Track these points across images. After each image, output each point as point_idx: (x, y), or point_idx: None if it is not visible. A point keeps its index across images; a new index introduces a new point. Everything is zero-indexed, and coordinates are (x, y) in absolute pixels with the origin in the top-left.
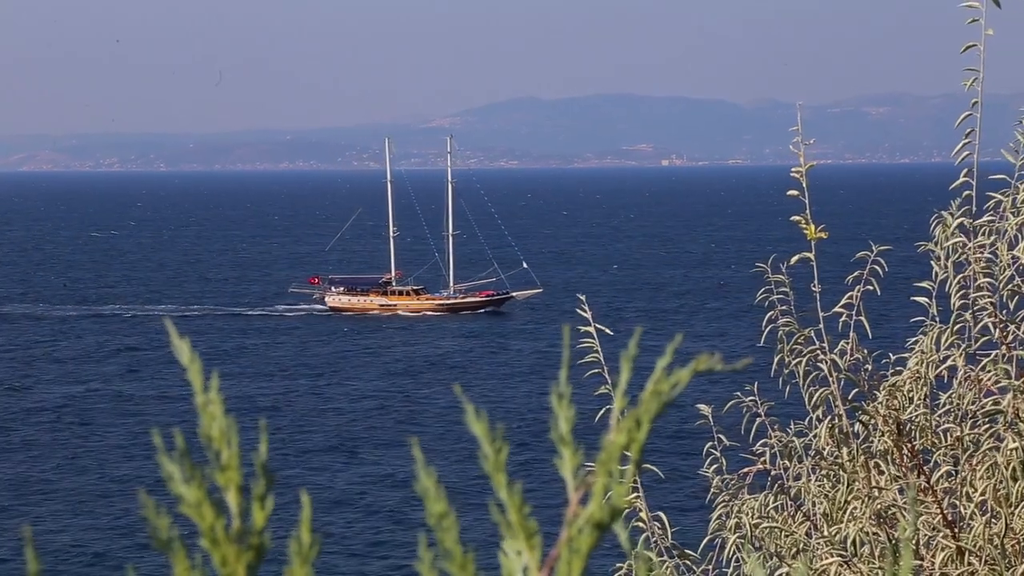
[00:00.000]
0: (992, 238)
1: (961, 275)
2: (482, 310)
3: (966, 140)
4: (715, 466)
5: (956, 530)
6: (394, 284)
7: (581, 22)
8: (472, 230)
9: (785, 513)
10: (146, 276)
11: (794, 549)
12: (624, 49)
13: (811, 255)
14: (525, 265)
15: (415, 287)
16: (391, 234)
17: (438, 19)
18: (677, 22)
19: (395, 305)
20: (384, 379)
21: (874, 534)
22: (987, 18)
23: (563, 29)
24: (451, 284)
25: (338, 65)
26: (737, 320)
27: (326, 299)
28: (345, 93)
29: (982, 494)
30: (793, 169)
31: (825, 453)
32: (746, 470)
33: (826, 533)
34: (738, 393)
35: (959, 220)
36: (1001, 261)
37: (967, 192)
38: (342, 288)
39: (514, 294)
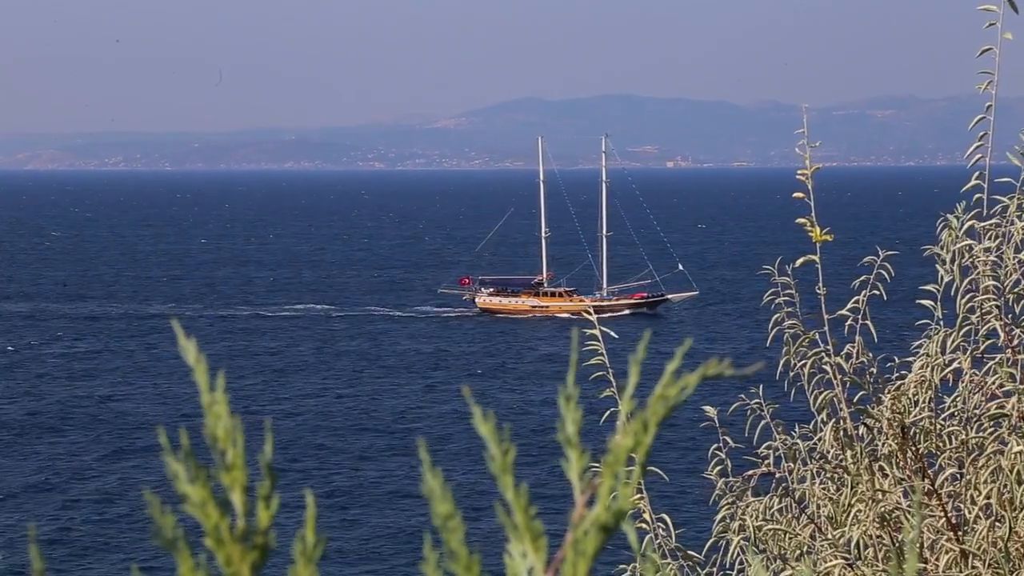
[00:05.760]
0: (998, 241)
1: (968, 279)
2: (636, 312)
3: (979, 143)
4: (720, 468)
5: (960, 533)
6: (546, 285)
7: (586, 23)
8: (627, 231)
9: (789, 516)
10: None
11: (798, 551)
12: (628, 50)
13: (816, 258)
14: (681, 267)
15: (567, 288)
16: (543, 235)
17: (442, 19)
18: (681, 23)
19: (547, 306)
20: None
21: (878, 537)
22: (1004, 22)
23: (568, 30)
24: (604, 285)
25: (342, 65)
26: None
27: (476, 300)
28: (349, 93)
29: (986, 497)
30: (799, 171)
31: (830, 456)
32: (751, 472)
33: (830, 536)
34: (743, 395)
35: (968, 223)
36: (1007, 264)
37: (978, 195)
38: (492, 289)
39: (669, 296)
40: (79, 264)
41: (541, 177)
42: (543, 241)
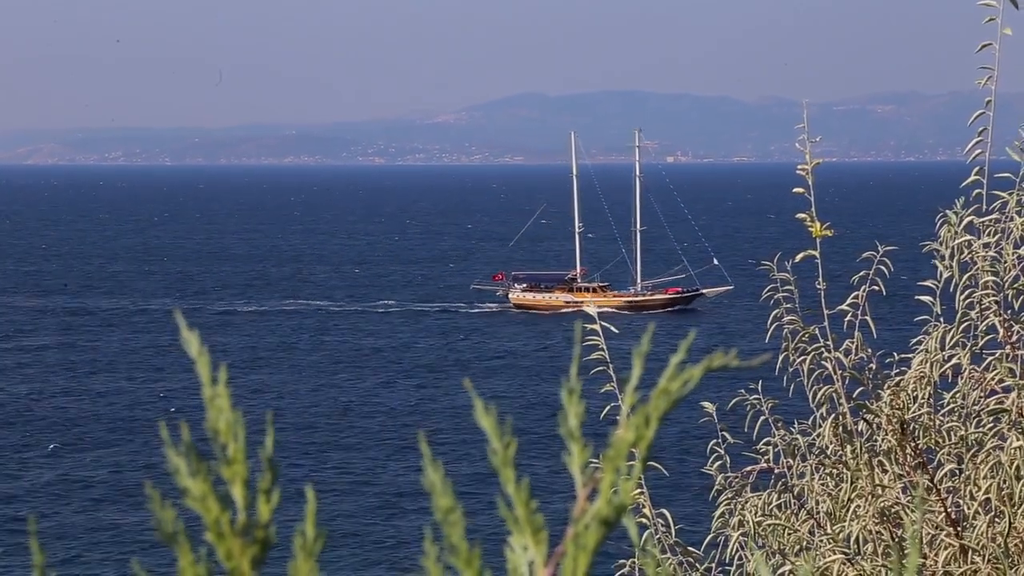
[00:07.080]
0: (997, 236)
1: (967, 274)
2: (670, 308)
3: (978, 138)
4: (719, 463)
5: (959, 529)
6: (579, 281)
7: (586, 18)
8: (661, 226)
9: (789, 511)
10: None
11: (798, 547)
12: (630, 47)
13: (816, 253)
14: (716, 262)
15: (601, 284)
16: (577, 230)
17: (443, 17)
18: (681, 19)
19: (581, 302)
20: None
21: (877, 532)
22: (1004, 17)
23: (569, 27)
24: (638, 281)
25: (342, 64)
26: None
27: (509, 296)
28: (349, 92)
29: (986, 493)
30: (799, 166)
31: (829, 451)
32: (750, 468)
33: (829, 531)
34: (742, 390)
35: (968, 219)
36: (1006, 260)
37: (977, 191)
38: (525, 284)
39: (704, 291)
40: (60, 260)
41: (574, 172)
42: (577, 236)
